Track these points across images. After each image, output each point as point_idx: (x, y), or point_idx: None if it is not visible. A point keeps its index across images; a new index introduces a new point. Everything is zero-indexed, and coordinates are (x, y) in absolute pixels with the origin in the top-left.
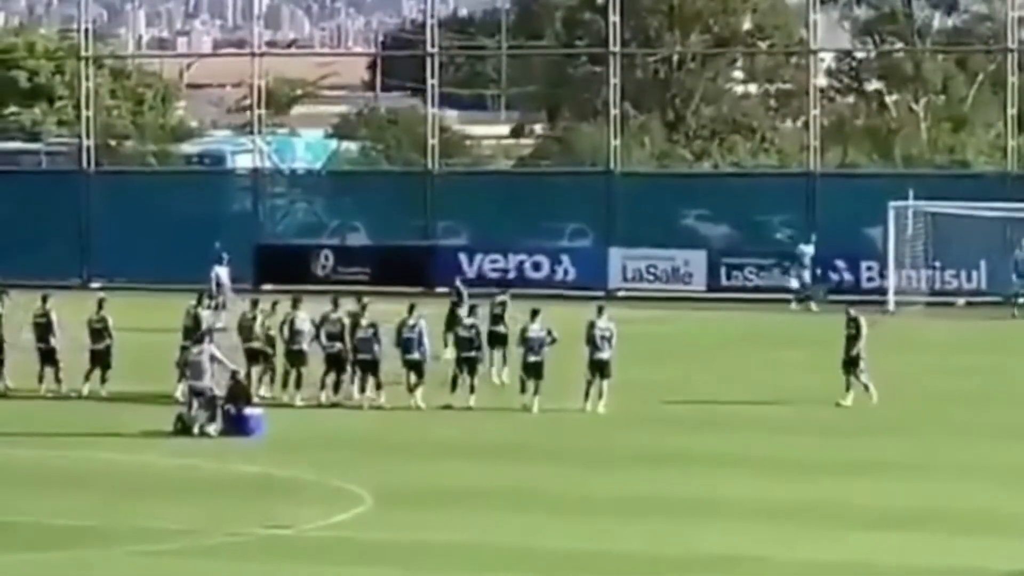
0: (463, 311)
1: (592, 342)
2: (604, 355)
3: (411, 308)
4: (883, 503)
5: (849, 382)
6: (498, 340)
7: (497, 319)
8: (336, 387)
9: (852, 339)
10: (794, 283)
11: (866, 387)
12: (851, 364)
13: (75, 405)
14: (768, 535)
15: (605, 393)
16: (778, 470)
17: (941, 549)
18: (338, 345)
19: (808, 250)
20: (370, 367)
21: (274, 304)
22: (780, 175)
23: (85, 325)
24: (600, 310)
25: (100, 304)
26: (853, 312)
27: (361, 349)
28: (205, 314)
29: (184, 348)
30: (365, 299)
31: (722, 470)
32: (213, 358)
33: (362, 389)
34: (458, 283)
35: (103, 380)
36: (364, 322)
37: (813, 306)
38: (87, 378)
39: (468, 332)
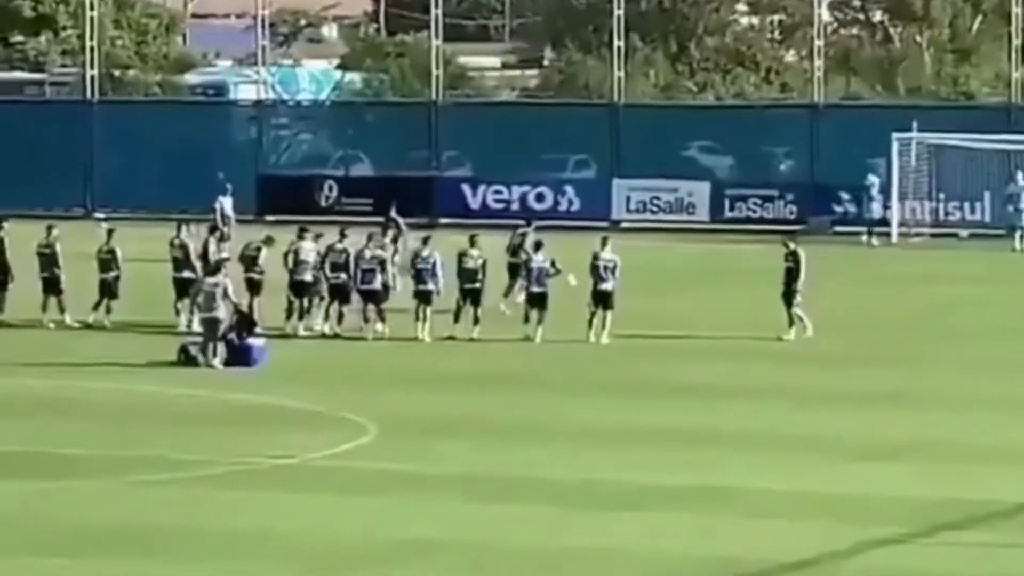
0: (409, 241)
1: (596, 273)
2: (607, 286)
3: (425, 240)
4: (884, 435)
5: (791, 316)
6: (516, 270)
7: (516, 250)
8: (340, 318)
9: (791, 272)
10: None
11: (800, 319)
12: (789, 297)
13: (78, 335)
14: (765, 465)
15: (608, 324)
16: (777, 400)
17: (941, 480)
18: (343, 276)
19: (875, 180)
20: (373, 297)
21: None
22: (784, 106)
23: (93, 255)
24: (604, 241)
25: (109, 234)
26: (792, 245)
27: (365, 280)
28: (212, 246)
29: (177, 279)
30: (385, 232)
31: (722, 401)
32: (226, 292)
33: (365, 319)
34: (393, 214)
35: (108, 311)
36: (368, 253)
37: (874, 240)
38: (96, 308)
39: (474, 263)
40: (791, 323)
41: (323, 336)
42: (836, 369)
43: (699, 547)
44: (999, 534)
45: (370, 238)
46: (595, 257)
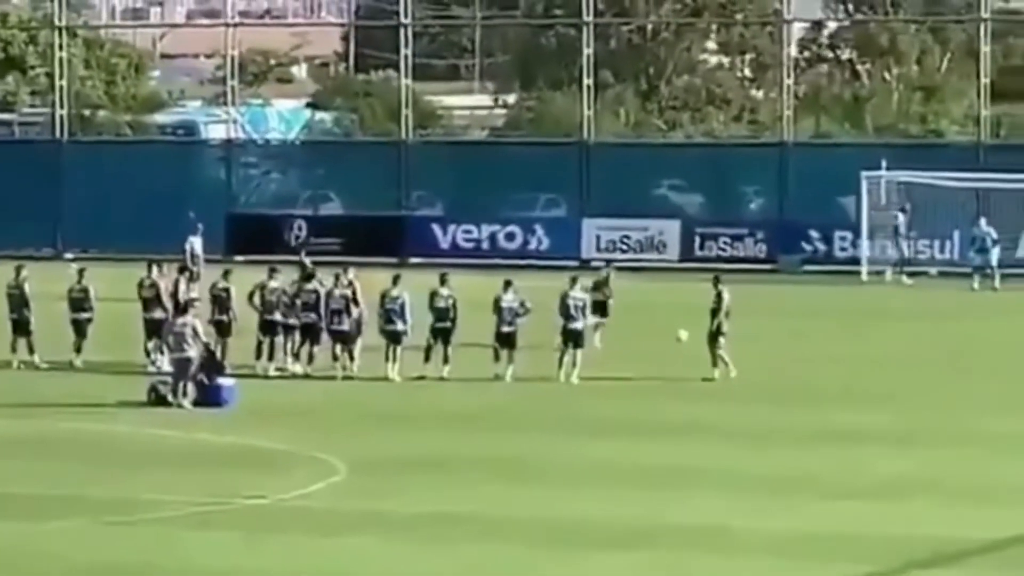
0: (316, 284)
1: (565, 312)
2: (578, 325)
3: (395, 279)
4: (857, 473)
5: (714, 356)
6: (599, 308)
7: (599, 287)
8: (310, 358)
9: (715, 312)
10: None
11: (724, 361)
12: (714, 337)
13: (48, 376)
14: (739, 505)
15: (579, 363)
16: (750, 440)
17: (913, 518)
18: (312, 315)
19: (902, 218)
20: (342, 337)
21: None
22: (753, 145)
23: (63, 296)
24: (573, 280)
25: (80, 274)
26: (719, 286)
27: (334, 320)
28: (182, 285)
29: (148, 320)
30: (347, 271)
31: (693, 440)
32: (195, 331)
33: (335, 359)
34: (302, 257)
35: (78, 350)
36: (337, 293)
37: (905, 278)
38: (77, 349)
39: (444, 303)
40: (715, 363)
41: (294, 376)
42: (805, 407)
43: None
44: (972, 571)
45: (337, 278)
46: (565, 296)
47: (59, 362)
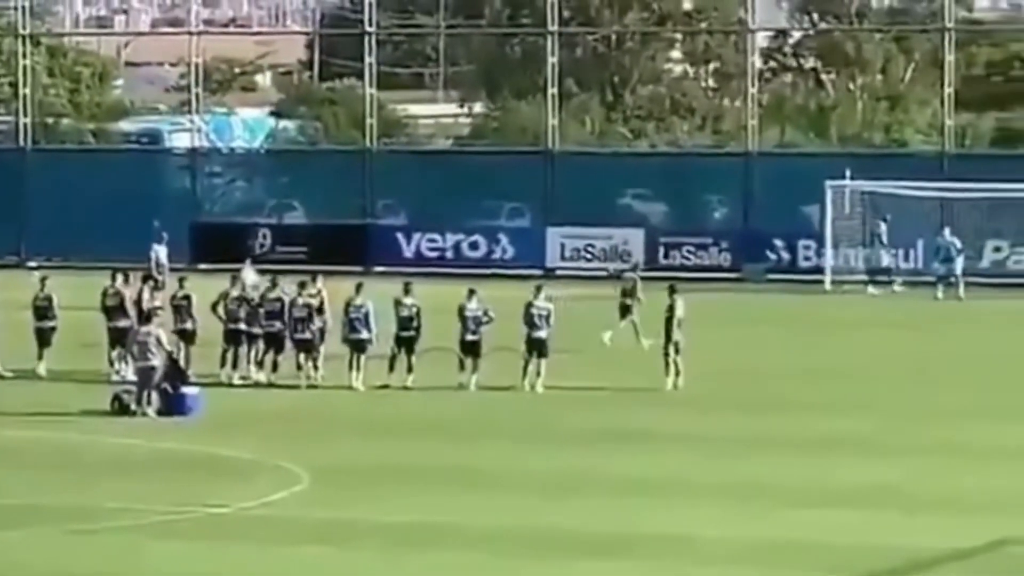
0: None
1: (530, 321)
2: (542, 334)
3: (358, 288)
4: (818, 481)
5: (667, 365)
6: (626, 311)
7: (628, 293)
8: (275, 366)
9: (668, 321)
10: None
11: (677, 370)
12: (667, 346)
13: (10, 384)
14: (705, 514)
15: (543, 372)
16: (715, 449)
17: (878, 527)
18: (277, 324)
19: (884, 227)
20: (306, 346)
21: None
22: (718, 154)
23: (27, 304)
24: (538, 289)
25: (43, 282)
26: (674, 296)
27: (298, 328)
28: (146, 294)
29: (112, 328)
30: (316, 279)
31: (658, 448)
32: (159, 340)
33: (299, 368)
34: (247, 266)
35: (39, 357)
36: (301, 301)
37: (896, 287)
38: (40, 357)
39: (408, 312)
40: (667, 372)
41: (257, 384)
42: (770, 416)
43: None
44: None
45: (302, 286)
46: (529, 305)
47: (23, 370)
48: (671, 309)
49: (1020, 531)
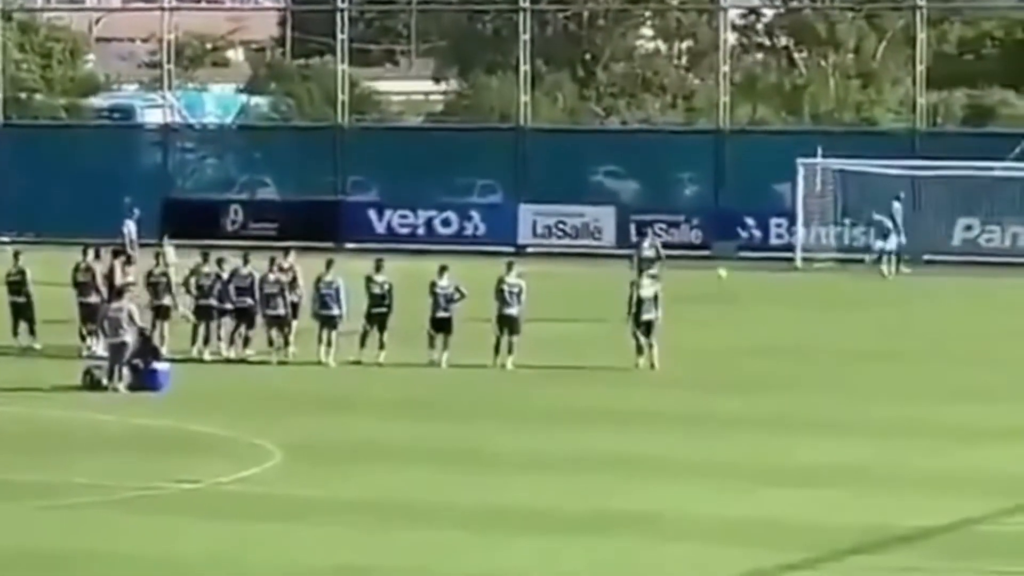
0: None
1: (501, 297)
2: (513, 311)
3: (328, 264)
4: (789, 460)
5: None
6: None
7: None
8: (246, 342)
9: (637, 301)
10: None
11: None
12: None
13: None
14: (678, 492)
15: (515, 349)
16: (681, 427)
17: (841, 505)
18: (248, 300)
19: (899, 206)
20: (278, 322)
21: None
22: (689, 132)
23: (3, 279)
24: (509, 266)
25: (16, 257)
26: (644, 274)
27: (269, 304)
28: (118, 270)
29: (83, 304)
30: (288, 254)
31: (631, 426)
32: (131, 316)
33: (270, 343)
34: (165, 240)
35: (31, 332)
36: (272, 277)
37: (904, 267)
38: (15, 332)
39: (380, 288)
40: (639, 351)
41: (228, 361)
42: (746, 394)
43: (615, 572)
44: (898, 558)
45: (272, 262)
46: (500, 281)
47: (22, 346)
48: (635, 287)
49: (986, 510)
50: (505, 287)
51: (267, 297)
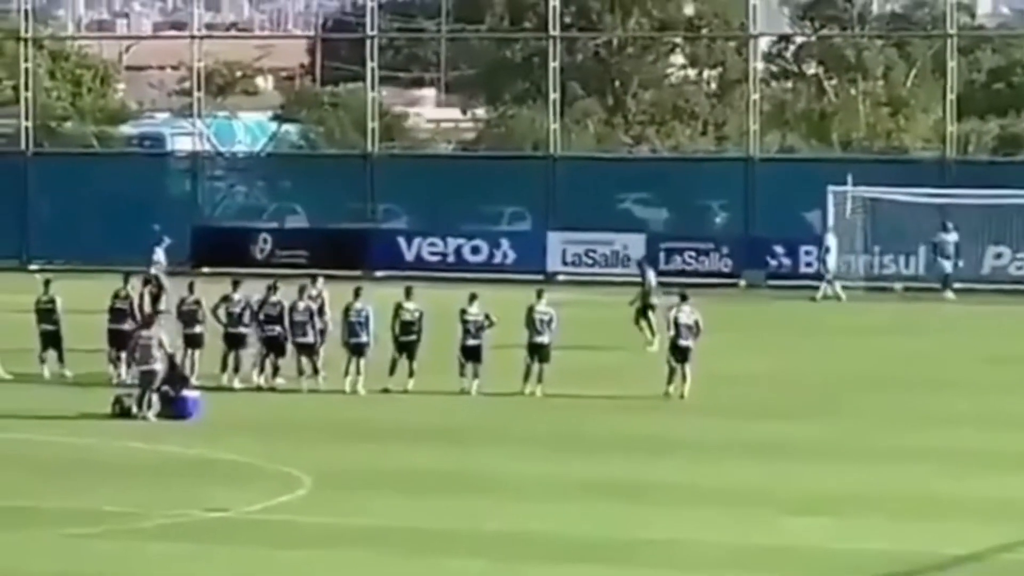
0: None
1: (531, 325)
2: (543, 339)
3: (357, 292)
4: (817, 488)
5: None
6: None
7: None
8: (275, 371)
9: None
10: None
11: (684, 377)
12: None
13: (11, 387)
14: (703, 519)
15: (544, 377)
16: (705, 454)
17: (873, 533)
18: (277, 328)
19: (951, 238)
20: (307, 350)
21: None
22: (719, 159)
23: (30, 307)
24: (539, 294)
25: (46, 285)
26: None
27: (298, 332)
28: (147, 298)
29: (115, 331)
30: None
31: (654, 454)
32: (161, 343)
33: (300, 372)
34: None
35: (60, 360)
36: (301, 305)
37: (949, 294)
38: (43, 360)
39: (410, 316)
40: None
41: (259, 389)
42: (770, 421)
43: None
44: None
45: (302, 290)
46: (531, 310)
47: (24, 373)
48: (673, 314)
49: (1006, 538)
50: (536, 315)
51: (296, 325)
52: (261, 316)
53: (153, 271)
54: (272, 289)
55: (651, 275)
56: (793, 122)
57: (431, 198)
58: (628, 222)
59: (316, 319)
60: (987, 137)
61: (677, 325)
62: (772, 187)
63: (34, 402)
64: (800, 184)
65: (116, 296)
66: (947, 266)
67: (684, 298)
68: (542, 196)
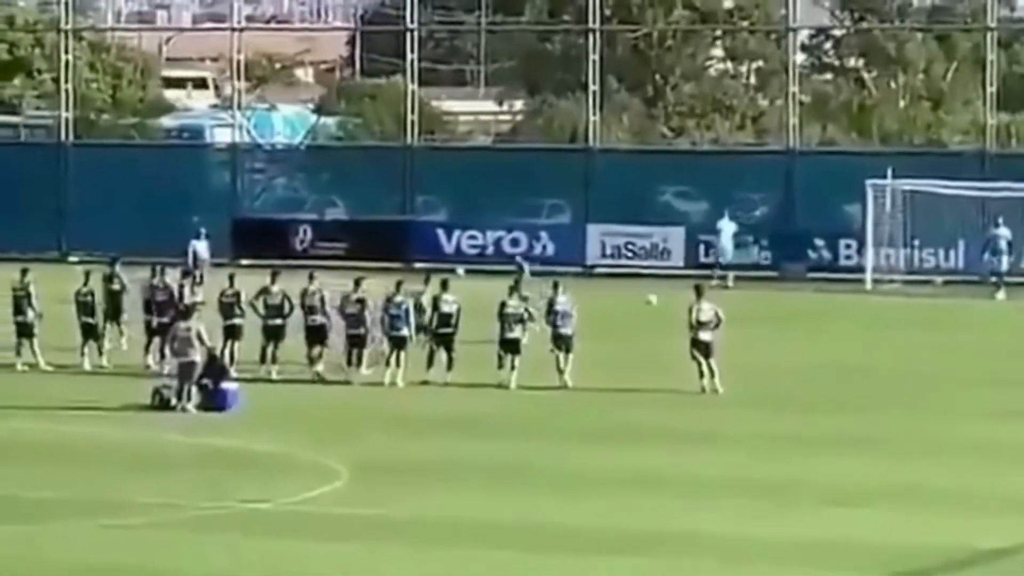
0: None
1: (553, 318)
2: (566, 330)
3: (398, 285)
4: (857, 480)
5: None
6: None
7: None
8: (318, 359)
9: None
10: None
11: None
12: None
13: (51, 378)
14: (742, 511)
15: (569, 366)
16: (749, 447)
17: (911, 526)
18: (319, 319)
19: (1006, 233)
20: (358, 342)
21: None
22: (759, 152)
23: (70, 298)
24: (556, 286)
25: (87, 276)
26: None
27: (350, 324)
28: (186, 289)
29: (149, 323)
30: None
31: (694, 446)
32: (200, 335)
33: (348, 363)
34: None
35: (100, 352)
36: (354, 297)
37: (1001, 294)
38: (83, 352)
39: (448, 308)
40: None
41: (316, 378)
42: (808, 414)
43: None
44: None
45: (357, 283)
46: (551, 303)
47: (63, 365)
48: (692, 311)
49: None
50: (558, 308)
51: (349, 317)
52: (305, 306)
53: (196, 265)
54: (311, 279)
55: (527, 269)
56: (833, 115)
57: (470, 190)
58: (668, 215)
59: (367, 313)
60: None
61: (698, 322)
62: (812, 180)
63: (72, 393)
64: (840, 177)
65: (154, 288)
66: (1003, 263)
67: (700, 292)
68: (581, 189)
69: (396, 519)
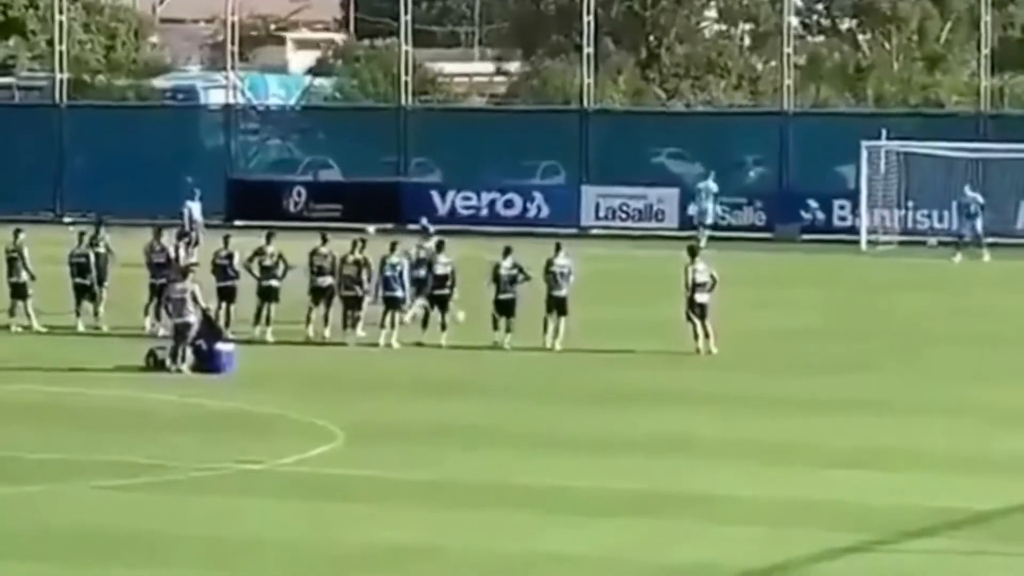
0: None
1: (551, 279)
2: (562, 292)
3: (393, 246)
4: (855, 442)
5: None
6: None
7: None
8: (324, 320)
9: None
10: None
11: (706, 334)
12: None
13: (45, 340)
14: (736, 471)
15: (562, 330)
16: (740, 408)
17: (915, 487)
18: (328, 280)
19: (978, 197)
20: (355, 303)
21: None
22: (753, 114)
23: (64, 260)
24: (557, 247)
25: (80, 237)
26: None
27: (347, 285)
28: (182, 251)
29: (154, 285)
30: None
31: (689, 408)
32: (195, 296)
33: (345, 325)
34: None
35: (95, 313)
36: (351, 259)
37: (986, 255)
38: (77, 313)
39: (442, 269)
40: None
41: (292, 341)
42: (803, 376)
43: (673, 553)
44: (964, 542)
45: (355, 244)
46: (549, 263)
47: (57, 326)
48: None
49: None
50: (555, 268)
51: (345, 278)
52: (314, 268)
53: (191, 227)
54: (323, 241)
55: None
56: (827, 76)
57: (465, 152)
58: (662, 176)
59: (364, 274)
60: (1021, 91)
61: (694, 284)
62: (806, 141)
63: (67, 354)
64: (834, 138)
65: (151, 250)
66: (976, 225)
67: (694, 253)
68: (576, 150)
69: (390, 480)
